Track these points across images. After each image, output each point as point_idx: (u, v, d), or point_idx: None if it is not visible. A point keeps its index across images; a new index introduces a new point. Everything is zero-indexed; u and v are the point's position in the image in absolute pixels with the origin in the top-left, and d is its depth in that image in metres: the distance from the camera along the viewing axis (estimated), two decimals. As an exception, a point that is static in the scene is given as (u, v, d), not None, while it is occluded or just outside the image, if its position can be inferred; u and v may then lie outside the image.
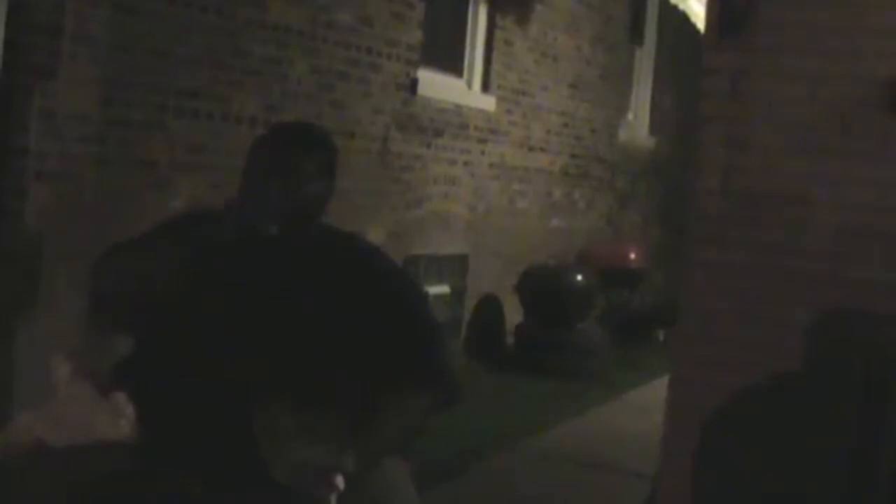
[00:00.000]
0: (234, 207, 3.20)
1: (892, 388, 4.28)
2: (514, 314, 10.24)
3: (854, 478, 4.47)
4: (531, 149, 10.94)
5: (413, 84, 8.88)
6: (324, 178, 3.33)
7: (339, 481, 3.02)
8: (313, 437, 3.05)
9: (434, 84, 9.28)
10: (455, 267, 9.85)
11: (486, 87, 10.21)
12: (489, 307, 10.32)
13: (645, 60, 13.72)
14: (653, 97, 13.82)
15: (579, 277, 10.28)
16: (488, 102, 10.17)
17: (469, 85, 10.11)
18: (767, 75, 4.80)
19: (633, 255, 11.82)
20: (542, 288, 10.06)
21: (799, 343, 4.65)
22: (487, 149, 10.17)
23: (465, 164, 9.83)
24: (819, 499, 4.60)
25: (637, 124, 13.58)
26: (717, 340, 4.83)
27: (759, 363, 4.74)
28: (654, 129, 13.79)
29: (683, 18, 11.33)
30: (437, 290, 9.34)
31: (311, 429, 3.05)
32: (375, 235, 8.18)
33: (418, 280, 8.42)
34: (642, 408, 8.07)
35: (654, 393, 6.90)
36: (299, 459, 3.02)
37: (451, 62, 9.94)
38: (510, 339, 10.30)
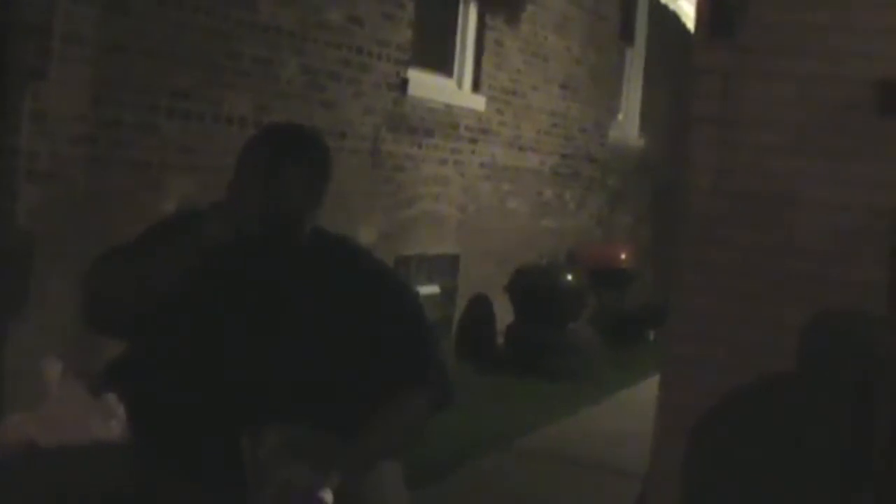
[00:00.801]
0: (224, 208, 3.19)
1: (883, 389, 4.29)
2: (504, 314, 10.23)
3: (847, 478, 4.47)
4: (521, 149, 10.94)
5: (403, 84, 8.88)
6: (315, 180, 3.33)
7: (328, 497, 3.01)
8: (297, 455, 3.03)
9: (424, 84, 9.28)
10: (446, 267, 9.86)
11: (476, 86, 10.21)
12: (480, 307, 10.32)
13: (635, 60, 13.73)
14: (643, 97, 13.83)
15: (570, 277, 10.28)
16: (478, 102, 10.16)
17: (459, 85, 10.11)
18: (758, 76, 4.81)
19: (623, 255, 11.83)
20: (532, 288, 10.06)
21: (791, 343, 4.67)
22: (478, 149, 10.17)
23: (456, 164, 9.84)
24: (811, 499, 4.61)
25: (627, 124, 13.60)
26: (707, 340, 4.84)
27: (750, 363, 4.75)
28: (644, 128, 13.80)
29: (674, 18, 11.34)
30: (428, 290, 9.34)
31: (294, 448, 3.04)
32: (367, 236, 8.18)
33: (409, 280, 8.41)
34: (633, 408, 8.07)
35: (645, 393, 6.92)
36: (283, 480, 3.01)
37: (442, 62, 9.94)
38: (501, 339, 10.29)
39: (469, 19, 10.16)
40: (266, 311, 3.26)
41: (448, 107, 9.68)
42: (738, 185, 4.81)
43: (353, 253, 3.50)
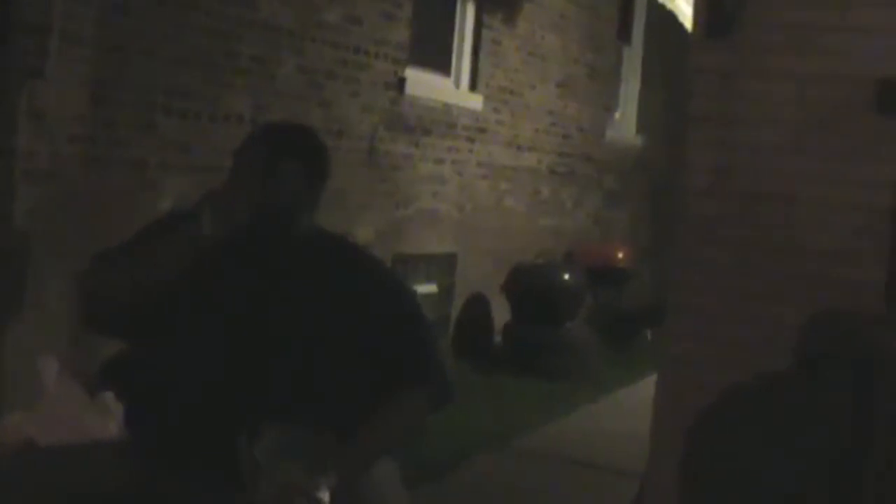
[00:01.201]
0: (222, 205, 3.18)
1: (884, 389, 4.29)
2: (502, 313, 10.24)
3: (844, 478, 4.47)
4: (519, 148, 10.95)
5: (401, 83, 8.88)
6: (312, 179, 3.33)
7: (326, 497, 3.01)
8: (295, 455, 3.03)
9: (422, 83, 9.28)
10: (443, 266, 9.86)
11: (473, 85, 10.22)
12: (477, 306, 10.33)
13: (633, 59, 13.73)
14: (640, 96, 13.83)
15: (567, 276, 10.28)
16: (476, 101, 10.17)
17: (457, 84, 10.11)
18: (756, 75, 4.80)
19: (620, 255, 11.82)
20: (529, 287, 10.06)
21: (788, 343, 4.66)
22: (475, 148, 10.18)
23: (454, 163, 9.84)
24: (808, 499, 4.61)
25: (625, 123, 13.59)
26: (705, 340, 4.83)
27: (748, 363, 4.74)
28: (641, 128, 13.80)
29: (672, 17, 11.34)
30: (426, 289, 9.35)
31: (292, 448, 3.04)
32: (364, 235, 8.18)
33: (406, 279, 8.41)
34: (630, 407, 8.07)
35: (643, 392, 6.91)
36: (280, 481, 3.01)
37: (439, 61, 9.94)
38: (498, 338, 10.30)
39: (467, 18, 10.16)
40: (265, 310, 3.25)
41: (445, 106, 9.68)
42: (737, 185, 4.80)
43: (351, 252, 3.50)
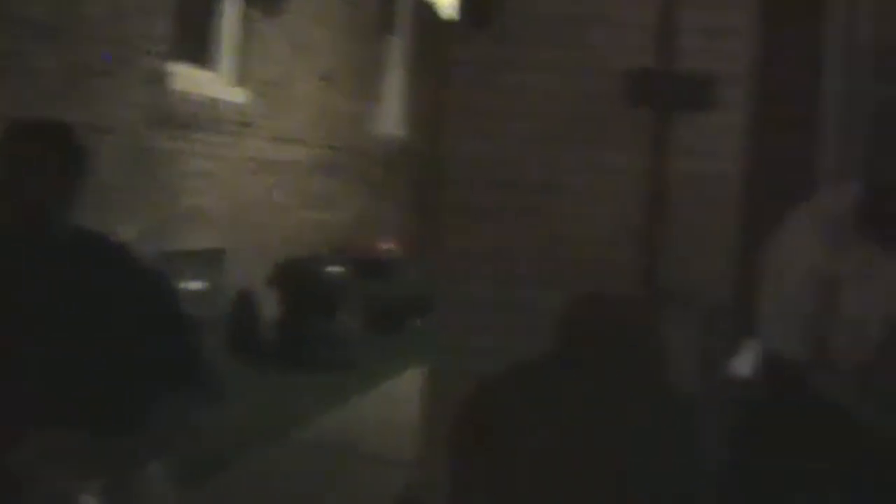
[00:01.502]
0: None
1: (642, 371, 4.42)
2: (271, 308, 10.21)
3: (614, 457, 4.59)
4: (287, 141, 10.91)
5: (166, 78, 8.77)
6: (65, 177, 3.26)
7: (92, 500, 2.98)
8: (60, 459, 2.99)
9: (187, 78, 9.18)
10: (211, 262, 9.77)
11: (239, 80, 10.15)
12: (247, 302, 10.27)
13: (398, 50, 13.80)
14: (407, 87, 13.91)
15: (335, 269, 10.33)
16: (242, 95, 10.11)
17: (223, 78, 10.03)
18: (516, 66, 4.89)
19: (389, 246, 11.92)
20: (297, 281, 10.08)
21: (552, 327, 4.76)
22: (243, 142, 10.11)
23: (220, 158, 9.75)
24: (580, 477, 4.72)
25: (391, 114, 13.65)
26: (472, 328, 4.91)
27: (513, 349, 4.83)
28: (408, 119, 13.88)
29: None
30: (194, 286, 9.24)
31: (58, 452, 3.00)
32: (128, 232, 8.05)
33: (172, 276, 8.31)
34: (401, 396, 8.14)
35: (412, 381, 6.99)
36: (47, 486, 2.96)
37: (205, 55, 9.85)
38: (269, 334, 10.27)
39: (231, 11, 10.09)
40: (27, 311, 3.19)
41: (212, 100, 9.59)
42: (498, 175, 4.89)
43: (114, 251, 3.44)
